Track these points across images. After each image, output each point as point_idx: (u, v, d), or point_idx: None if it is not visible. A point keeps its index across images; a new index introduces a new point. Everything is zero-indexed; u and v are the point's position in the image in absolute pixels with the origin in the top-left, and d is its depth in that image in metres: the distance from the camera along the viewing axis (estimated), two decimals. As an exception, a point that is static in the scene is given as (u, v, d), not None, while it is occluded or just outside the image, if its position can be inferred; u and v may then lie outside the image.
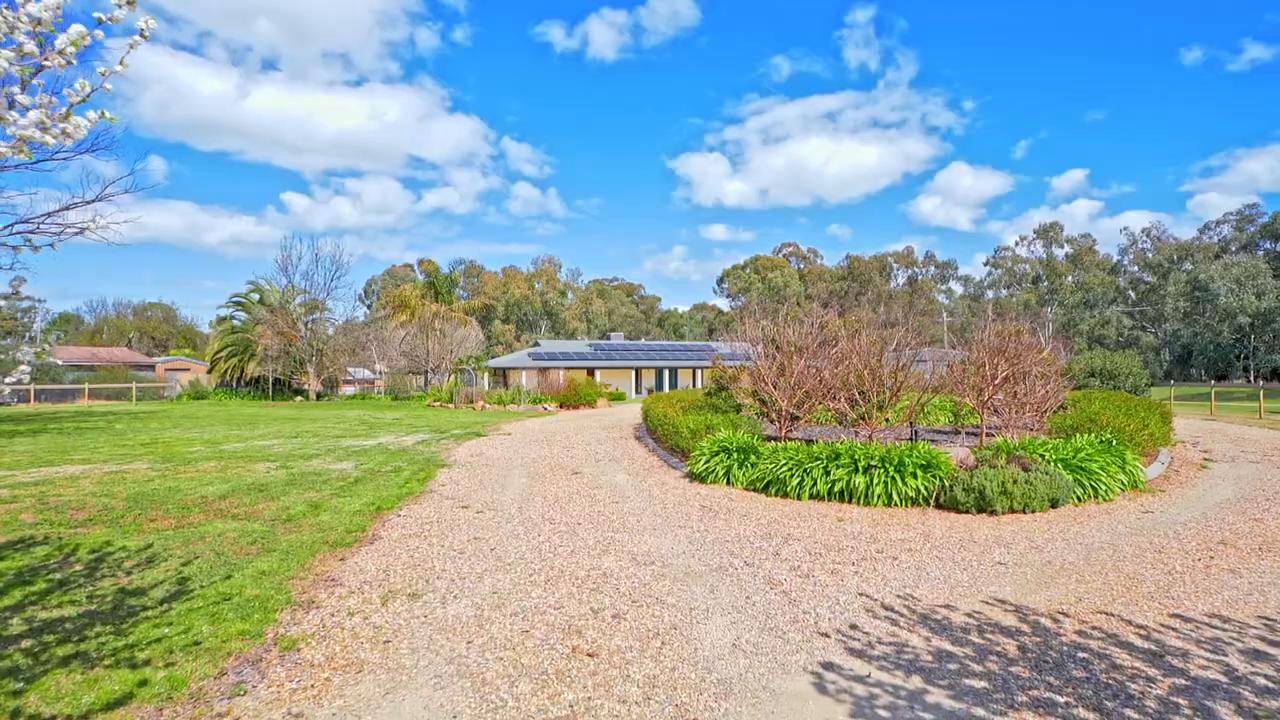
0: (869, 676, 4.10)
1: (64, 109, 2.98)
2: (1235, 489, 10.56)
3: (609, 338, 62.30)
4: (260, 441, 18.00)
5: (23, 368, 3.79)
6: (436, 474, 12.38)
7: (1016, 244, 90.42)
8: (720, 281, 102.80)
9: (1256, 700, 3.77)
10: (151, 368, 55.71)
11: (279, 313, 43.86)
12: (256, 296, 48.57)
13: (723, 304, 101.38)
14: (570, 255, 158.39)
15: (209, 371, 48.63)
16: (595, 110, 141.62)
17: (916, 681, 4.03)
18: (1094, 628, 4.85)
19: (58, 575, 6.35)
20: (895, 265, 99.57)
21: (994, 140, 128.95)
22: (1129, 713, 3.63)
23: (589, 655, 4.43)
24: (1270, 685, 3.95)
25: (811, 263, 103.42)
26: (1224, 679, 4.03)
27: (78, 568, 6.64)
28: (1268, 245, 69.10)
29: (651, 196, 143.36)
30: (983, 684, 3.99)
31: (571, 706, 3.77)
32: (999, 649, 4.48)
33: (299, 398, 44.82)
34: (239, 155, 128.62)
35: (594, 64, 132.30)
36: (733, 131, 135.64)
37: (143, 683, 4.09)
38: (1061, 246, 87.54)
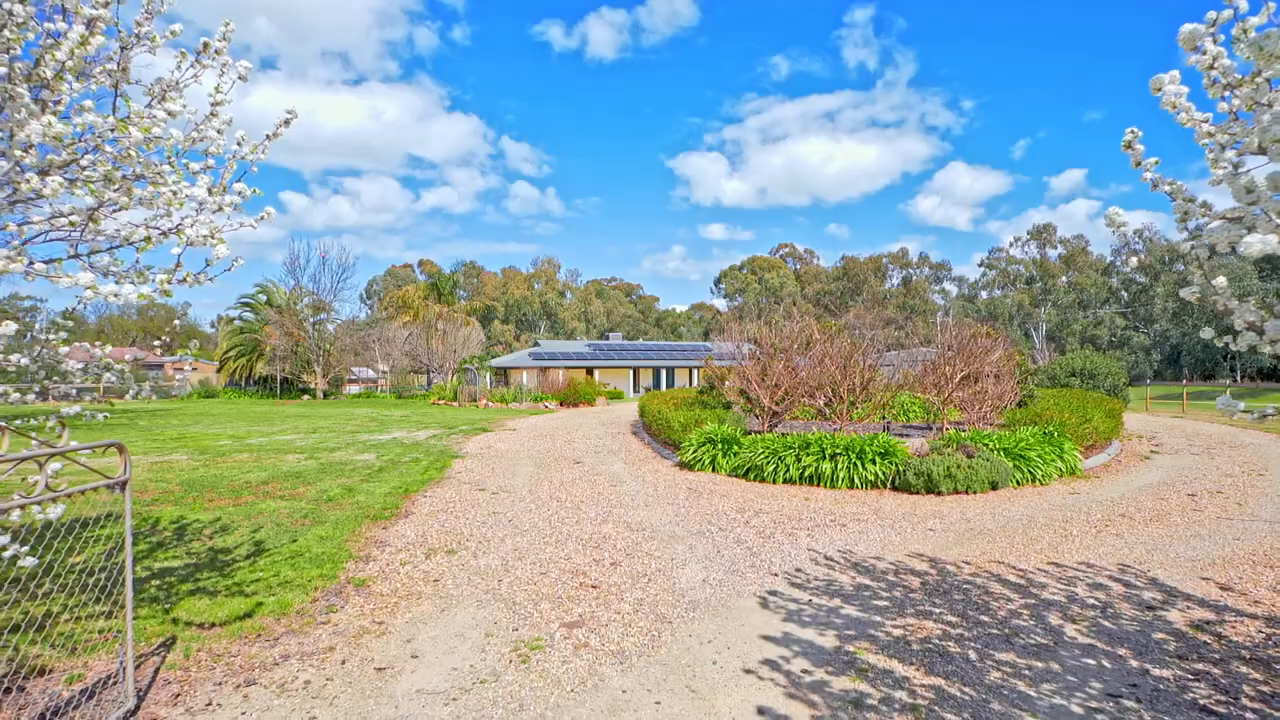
0: (801, 599, 5.47)
1: (221, 183, 4.32)
2: (1162, 475, 11.93)
3: (607, 338, 63.68)
4: (281, 436, 19.35)
5: (146, 386, 5.13)
6: (452, 464, 13.74)
7: (1011, 245, 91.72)
8: (717, 282, 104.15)
9: (1080, 611, 5.15)
10: (160, 366, 56.98)
11: (286, 313, 45.20)
12: (264, 298, 49.89)
13: (720, 304, 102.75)
14: (569, 254, 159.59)
15: (218, 371, 49.95)
16: (594, 109, 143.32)
17: (837, 602, 5.40)
18: (985, 570, 6.23)
19: (153, 539, 7.71)
20: (890, 266, 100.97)
21: (992, 140, 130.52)
22: (982, 617, 5.00)
23: (593, 587, 5.81)
24: (1094, 603, 5.33)
25: (808, 263, 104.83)
26: (1064, 599, 5.41)
27: (167, 534, 8.00)
28: (1255, 247, 70.33)
29: (650, 196, 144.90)
30: (885, 603, 5.36)
31: (580, 616, 5.14)
32: (905, 584, 5.86)
33: (306, 396, 46.14)
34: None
35: (593, 63, 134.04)
36: (731, 131, 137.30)
37: (258, 604, 5.45)
38: (1055, 248, 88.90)
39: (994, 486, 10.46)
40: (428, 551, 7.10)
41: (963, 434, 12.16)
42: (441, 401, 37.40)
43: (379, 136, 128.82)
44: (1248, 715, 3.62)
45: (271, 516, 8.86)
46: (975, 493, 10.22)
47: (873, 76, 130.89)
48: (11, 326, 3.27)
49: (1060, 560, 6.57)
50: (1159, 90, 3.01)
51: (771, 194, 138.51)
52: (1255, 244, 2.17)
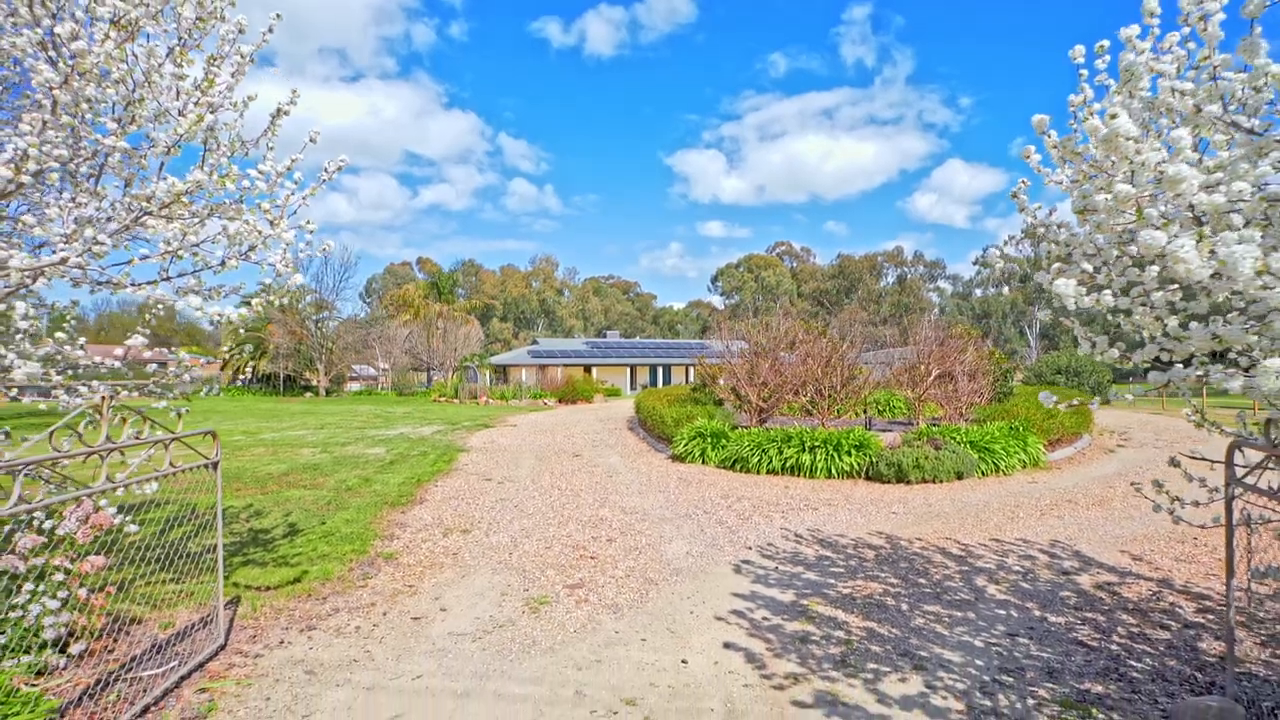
0: (769, 566, 6.38)
1: (281, 215, 5.17)
2: (1119, 467, 12.87)
3: (605, 335, 64.54)
4: (292, 432, 20.22)
5: (214, 385, 6.02)
6: (458, 457, 14.63)
7: (1005, 243, 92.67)
8: (714, 280, 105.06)
9: (1004, 575, 6.07)
10: (164, 364, 57.65)
11: (289, 312, 45.99)
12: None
13: (717, 301, 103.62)
14: (567, 252, 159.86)
15: (221, 368, 50.72)
16: (592, 107, 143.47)
17: (799, 569, 6.32)
18: (933, 545, 7.15)
19: (196, 522, 8.58)
20: (885, 264, 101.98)
21: (990, 137, 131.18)
22: (920, 580, 5.92)
23: (591, 558, 6.72)
24: (1020, 569, 6.25)
25: (804, 261, 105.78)
26: (994, 567, 6.33)
27: (208, 517, 8.87)
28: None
29: (648, 193, 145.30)
30: (840, 570, 6.28)
31: (581, 579, 6.05)
32: (861, 555, 6.78)
33: (308, 394, 46.97)
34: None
35: (591, 60, 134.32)
36: (730, 128, 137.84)
37: (304, 573, 6.35)
38: (1050, 245, 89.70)
39: (959, 476, 11.38)
40: (444, 531, 8.00)
41: (934, 429, 13.08)
42: (442, 399, 38.27)
43: (377, 134, 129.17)
44: (1113, 647, 4.54)
45: (298, 503, 9.75)
46: (941, 482, 11.14)
47: (871, 74, 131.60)
48: (139, 339, 4.14)
49: (1001, 537, 7.49)
50: (1028, 158, 3.91)
51: (770, 191, 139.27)
52: (1061, 286, 3.05)
